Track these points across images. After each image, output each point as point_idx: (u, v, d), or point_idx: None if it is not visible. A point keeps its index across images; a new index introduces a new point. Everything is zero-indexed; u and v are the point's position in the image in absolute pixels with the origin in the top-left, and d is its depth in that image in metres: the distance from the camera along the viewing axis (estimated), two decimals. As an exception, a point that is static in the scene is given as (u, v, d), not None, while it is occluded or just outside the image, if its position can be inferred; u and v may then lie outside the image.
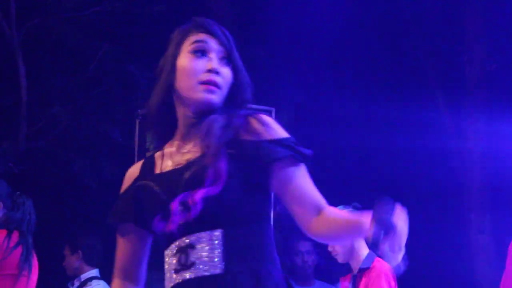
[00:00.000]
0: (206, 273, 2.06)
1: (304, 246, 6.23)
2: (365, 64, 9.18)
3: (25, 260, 4.22)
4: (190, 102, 2.17)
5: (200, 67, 2.15)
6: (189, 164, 2.11)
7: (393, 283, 4.41)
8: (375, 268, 4.42)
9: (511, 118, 8.31)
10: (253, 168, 2.08)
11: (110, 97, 8.77)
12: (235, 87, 2.20)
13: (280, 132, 2.13)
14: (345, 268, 4.69)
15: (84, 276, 5.61)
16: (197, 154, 2.11)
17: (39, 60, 8.70)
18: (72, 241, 5.73)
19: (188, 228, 2.09)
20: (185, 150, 2.17)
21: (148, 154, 5.13)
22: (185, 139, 2.20)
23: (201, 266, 2.07)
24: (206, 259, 2.06)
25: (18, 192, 4.36)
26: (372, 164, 9.02)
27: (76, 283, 5.61)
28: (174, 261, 2.12)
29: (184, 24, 2.26)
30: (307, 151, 2.13)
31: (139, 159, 5.15)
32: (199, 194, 2.04)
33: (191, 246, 2.08)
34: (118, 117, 8.61)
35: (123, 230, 2.29)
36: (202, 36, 2.18)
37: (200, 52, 2.17)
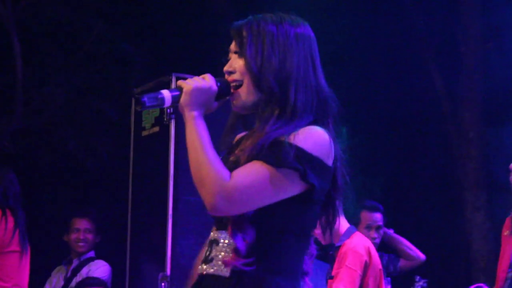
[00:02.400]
0: (219, 273, 2.02)
1: None
2: (362, 39, 9.18)
3: (24, 237, 4.25)
4: None
5: None
6: (232, 156, 2.09)
7: (365, 258, 4.15)
8: (344, 245, 4.18)
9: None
10: None
11: (105, 76, 8.72)
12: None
13: (306, 145, 2.00)
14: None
15: (84, 256, 5.67)
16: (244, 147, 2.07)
17: (34, 39, 8.65)
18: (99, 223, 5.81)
19: (221, 222, 2.05)
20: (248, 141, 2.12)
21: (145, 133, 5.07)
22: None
23: (218, 263, 2.03)
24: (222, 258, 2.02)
25: None
26: (369, 136, 9.00)
27: (76, 262, 5.65)
28: (205, 251, 2.09)
29: None
30: (313, 180, 2.00)
31: (135, 138, 5.15)
32: None
33: (216, 241, 2.05)
34: (113, 96, 8.57)
35: None
36: (232, 43, 2.15)
37: (228, 60, 2.16)
